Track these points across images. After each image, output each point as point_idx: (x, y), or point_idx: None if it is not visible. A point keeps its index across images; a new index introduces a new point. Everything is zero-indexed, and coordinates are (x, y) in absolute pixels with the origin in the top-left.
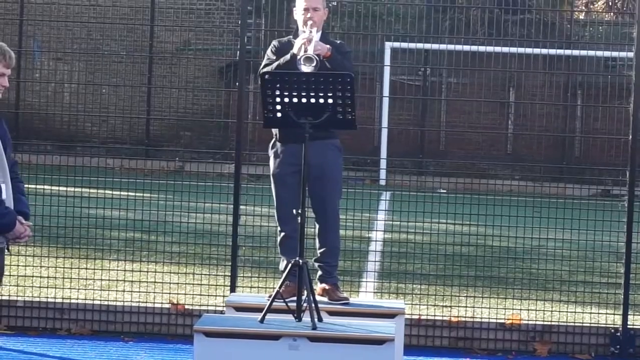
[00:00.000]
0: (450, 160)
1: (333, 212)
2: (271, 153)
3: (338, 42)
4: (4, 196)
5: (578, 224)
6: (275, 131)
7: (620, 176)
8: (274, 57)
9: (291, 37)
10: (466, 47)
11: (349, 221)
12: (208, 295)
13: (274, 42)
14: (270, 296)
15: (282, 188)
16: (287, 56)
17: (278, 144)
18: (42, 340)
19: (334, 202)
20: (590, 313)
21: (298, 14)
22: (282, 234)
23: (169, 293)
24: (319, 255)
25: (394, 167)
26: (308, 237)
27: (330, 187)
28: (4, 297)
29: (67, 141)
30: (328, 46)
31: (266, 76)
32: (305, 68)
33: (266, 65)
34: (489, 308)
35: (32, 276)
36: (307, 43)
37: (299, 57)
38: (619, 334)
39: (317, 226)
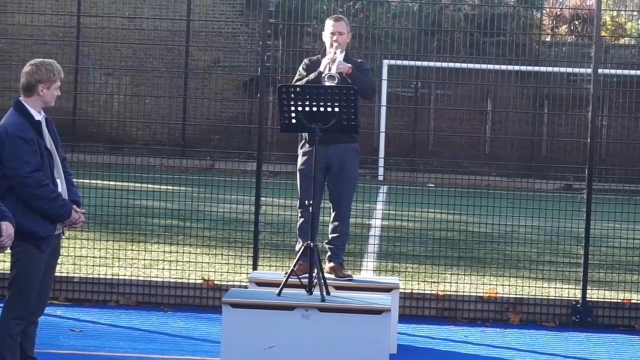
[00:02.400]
0: (438, 160)
1: (347, 205)
2: (300, 152)
3: (359, 60)
4: (59, 189)
5: (545, 213)
6: (305, 135)
7: (580, 173)
8: (305, 73)
9: (319, 56)
10: (451, 64)
11: (353, 210)
12: (234, 273)
13: (305, 60)
14: (286, 273)
15: (306, 181)
16: (316, 73)
17: (306, 145)
18: (95, 310)
19: (349, 197)
20: (555, 288)
21: (326, 36)
22: (302, 219)
23: (201, 271)
24: (330, 238)
25: (390, 165)
26: (324, 224)
27: (347, 184)
28: (62, 274)
29: (116, 143)
30: (349, 65)
31: (282, 89)
32: (329, 83)
33: (298, 80)
34: (470, 283)
35: (87, 256)
36: (332, 63)
37: (323, 74)
38: (579, 305)
39: (332, 215)
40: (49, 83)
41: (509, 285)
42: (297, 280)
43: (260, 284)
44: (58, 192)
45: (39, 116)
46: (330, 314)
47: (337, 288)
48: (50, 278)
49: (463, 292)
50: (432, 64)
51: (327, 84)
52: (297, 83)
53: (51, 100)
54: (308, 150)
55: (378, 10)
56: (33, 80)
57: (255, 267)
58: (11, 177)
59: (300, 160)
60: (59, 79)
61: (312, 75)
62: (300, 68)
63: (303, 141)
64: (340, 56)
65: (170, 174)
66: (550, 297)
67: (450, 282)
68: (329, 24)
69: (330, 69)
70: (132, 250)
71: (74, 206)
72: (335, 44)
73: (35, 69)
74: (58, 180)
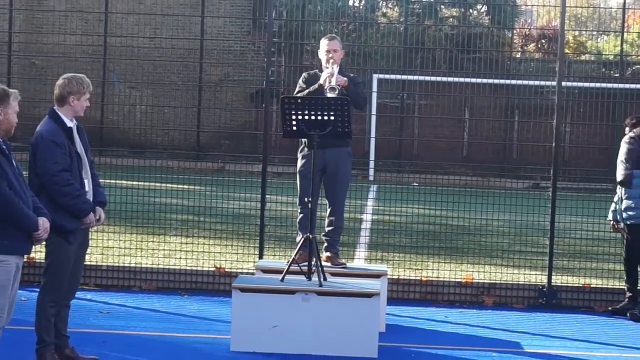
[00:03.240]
0: (421, 162)
1: (341, 202)
2: (299, 155)
3: (352, 75)
4: (87, 189)
5: (515, 208)
6: (304, 140)
7: (546, 173)
8: (304, 86)
9: (317, 71)
10: (433, 78)
11: (347, 206)
12: (242, 261)
13: (304, 74)
14: (288, 262)
15: (305, 181)
16: (316, 85)
17: (305, 149)
18: (120, 294)
19: (343, 195)
20: (524, 274)
21: (322, 53)
22: (301, 215)
23: (214, 260)
24: (326, 231)
25: (380, 167)
26: (320, 219)
27: (341, 183)
28: (92, 263)
29: (138, 148)
30: (346, 78)
31: (285, 100)
32: (330, 95)
33: (299, 91)
34: (449, 270)
35: (113, 247)
36: (331, 76)
37: (325, 87)
38: (545, 289)
39: (328, 210)
40: (79, 95)
41: (484, 272)
42: (298, 267)
43: (265, 271)
44: (82, 192)
45: (70, 123)
46: (327, 297)
47: (333, 274)
48: (80, 266)
49: (443, 278)
50: (416, 77)
51: (328, 95)
52: (299, 94)
53: (80, 110)
54: (307, 154)
55: (369, 31)
56: (65, 92)
57: (261, 256)
58: (42, 175)
59: (299, 162)
60: (88, 91)
61: (313, 87)
62: (300, 81)
63: (302, 145)
64: (336, 70)
65: (186, 174)
66: (519, 282)
67: (432, 269)
68: (324, 43)
69: (330, 82)
70: (152, 241)
71: (98, 208)
72: (331, 60)
73: (67, 82)
74: (86, 181)
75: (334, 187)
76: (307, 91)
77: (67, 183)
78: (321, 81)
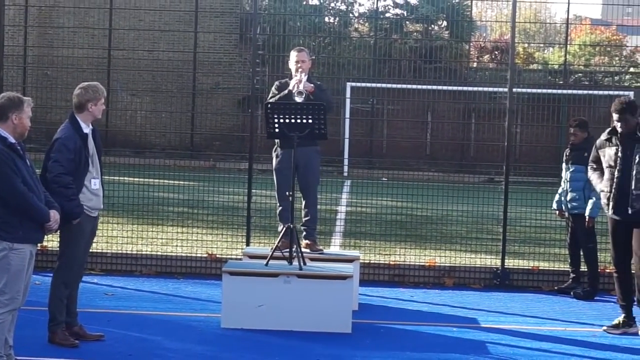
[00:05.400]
0: (389, 160)
1: (314, 194)
2: (274, 155)
3: (318, 82)
4: (96, 187)
5: (472, 200)
6: (277, 141)
7: (499, 169)
8: (277, 92)
9: (288, 79)
10: (399, 85)
11: (324, 199)
12: (231, 248)
13: (276, 82)
14: (272, 248)
15: (280, 177)
16: (286, 91)
17: (279, 149)
18: (123, 278)
19: (314, 188)
20: (480, 258)
21: (291, 63)
22: (280, 207)
23: (206, 247)
24: (303, 221)
25: (353, 164)
26: (297, 210)
27: (312, 177)
28: (98, 250)
29: (139, 148)
30: (312, 85)
31: (268, 105)
32: (298, 99)
33: (272, 96)
34: (415, 255)
35: (117, 236)
36: (299, 83)
37: (293, 91)
38: (499, 271)
39: (303, 203)
40: (96, 101)
41: (445, 256)
42: (281, 253)
43: (251, 256)
44: (77, 197)
45: (87, 129)
46: (306, 279)
47: (312, 259)
48: (87, 252)
49: (409, 262)
50: (384, 85)
51: (296, 99)
52: (272, 99)
53: (99, 114)
54: (280, 153)
55: (342, 44)
56: (83, 100)
57: (248, 244)
58: (49, 172)
59: (275, 161)
60: (103, 97)
61: (283, 93)
62: (273, 88)
63: (276, 146)
64: (304, 78)
65: (181, 172)
66: (476, 265)
67: (400, 254)
68: (293, 54)
69: (298, 87)
70: (152, 231)
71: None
72: (299, 69)
73: (84, 91)
74: (95, 181)
75: (307, 182)
76: (278, 96)
77: (66, 186)
78: (290, 87)
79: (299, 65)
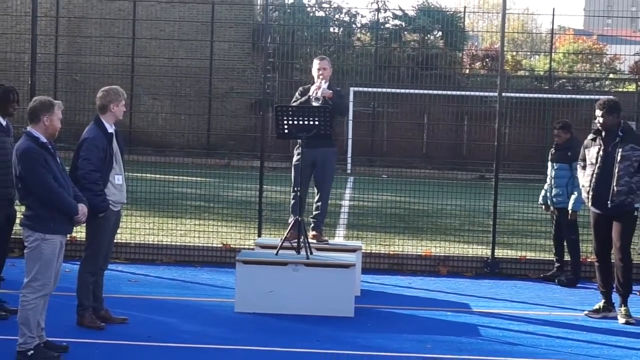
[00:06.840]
0: (389, 158)
1: (327, 191)
2: (295, 152)
3: (338, 88)
4: (120, 182)
5: (465, 195)
6: (299, 141)
7: (490, 167)
8: (300, 97)
9: (310, 84)
10: (398, 90)
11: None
12: (244, 239)
13: (300, 88)
14: (281, 239)
15: (297, 173)
16: (306, 96)
17: (300, 148)
18: (145, 266)
19: (329, 185)
20: (472, 248)
21: (314, 70)
22: (293, 201)
23: (221, 238)
24: (314, 214)
25: (356, 162)
26: (308, 205)
27: (328, 175)
28: (122, 240)
29: (160, 147)
30: (331, 91)
31: (278, 108)
32: (315, 104)
33: (295, 100)
34: (412, 245)
35: (140, 227)
36: (318, 89)
37: (312, 97)
38: (489, 260)
39: (316, 197)
40: (117, 102)
41: (440, 247)
42: (289, 244)
43: (263, 247)
44: (103, 193)
45: (111, 129)
46: (313, 267)
47: (318, 249)
48: (111, 243)
49: (407, 251)
50: (385, 90)
51: (314, 103)
52: (294, 103)
53: (120, 114)
54: (301, 151)
55: (346, 52)
56: (105, 101)
57: (259, 235)
58: (79, 169)
59: (295, 158)
60: (124, 98)
61: (304, 98)
62: (297, 93)
63: (297, 145)
64: (324, 85)
65: (198, 169)
66: (468, 255)
67: (398, 245)
68: (316, 63)
69: (316, 93)
70: (171, 223)
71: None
72: (321, 76)
73: (106, 94)
74: (119, 177)
75: (323, 178)
76: (299, 101)
77: (95, 182)
78: (310, 92)
79: (320, 72)
